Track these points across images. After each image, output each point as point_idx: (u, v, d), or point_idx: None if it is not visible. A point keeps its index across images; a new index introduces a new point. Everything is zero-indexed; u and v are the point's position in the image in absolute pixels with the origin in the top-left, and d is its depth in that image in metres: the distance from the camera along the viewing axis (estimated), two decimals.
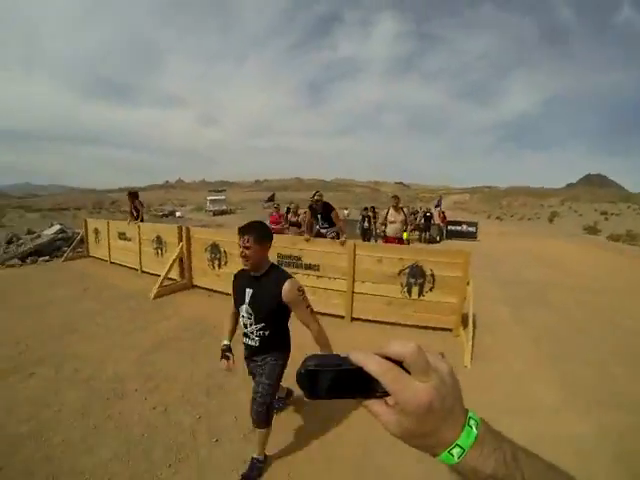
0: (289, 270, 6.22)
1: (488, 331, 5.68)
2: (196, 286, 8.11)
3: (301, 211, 10.77)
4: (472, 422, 0.50)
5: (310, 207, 7.11)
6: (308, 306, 2.66)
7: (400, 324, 5.85)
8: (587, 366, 4.71)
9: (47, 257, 11.35)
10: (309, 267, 6.45)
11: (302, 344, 2.86)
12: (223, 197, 54.98)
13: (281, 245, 6.62)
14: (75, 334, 5.50)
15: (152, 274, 8.91)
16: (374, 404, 0.50)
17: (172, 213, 43.06)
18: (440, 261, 5.65)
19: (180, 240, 8.05)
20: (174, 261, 7.88)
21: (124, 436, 3.32)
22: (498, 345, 5.32)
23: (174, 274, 8.17)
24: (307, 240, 6.44)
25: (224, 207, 48.72)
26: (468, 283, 5.57)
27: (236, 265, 6.94)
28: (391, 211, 8.88)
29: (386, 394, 0.49)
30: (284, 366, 2.85)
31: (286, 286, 2.57)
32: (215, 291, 7.64)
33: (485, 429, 0.50)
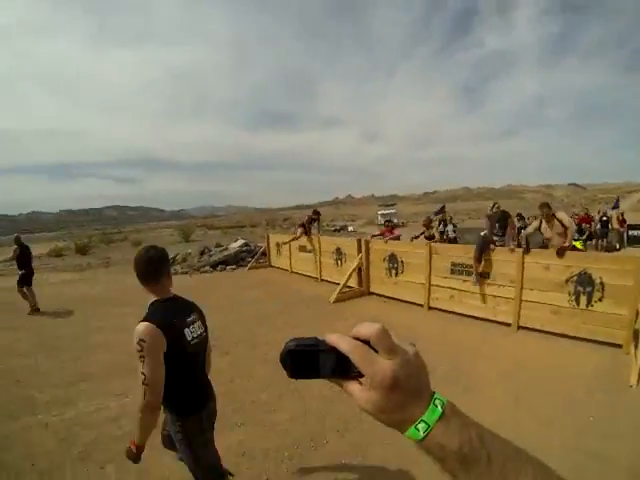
0: (461, 278, 6.87)
1: None
2: (372, 293, 8.96)
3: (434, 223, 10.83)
4: (437, 401, 0.53)
5: (488, 217, 7.41)
6: (143, 367, 1.88)
7: (567, 335, 5.76)
8: None
9: (233, 266, 13.67)
10: (481, 275, 6.73)
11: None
12: (394, 210, 55.16)
13: (455, 254, 7.18)
14: (264, 327, 6.53)
15: (330, 282, 10.09)
16: (349, 384, 0.55)
17: (344, 228, 44.02)
18: (609, 268, 5.47)
19: (359, 251, 9.08)
20: (353, 270, 8.90)
21: (303, 404, 4.08)
22: None
23: (352, 282, 9.13)
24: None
25: (395, 220, 48.52)
26: None
27: (412, 274, 7.77)
28: (543, 225, 6.87)
29: (360, 375, 0.53)
30: (190, 434, 2.22)
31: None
32: (391, 298, 8.38)
33: (451, 409, 0.53)
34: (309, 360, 0.56)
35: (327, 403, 4.10)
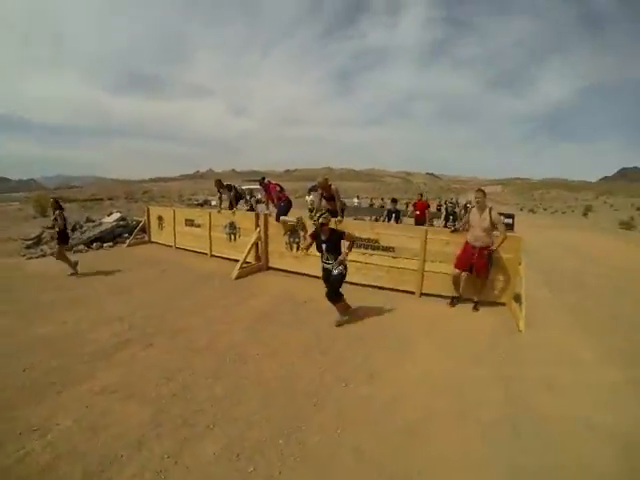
0: (367, 252, 7.44)
1: (533, 306, 6.47)
2: (271, 268, 9.04)
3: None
4: None
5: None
6: None
7: (462, 298, 6.82)
8: (618, 336, 5.67)
9: (110, 243, 12.35)
10: (386, 249, 7.40)
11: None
12: (259, 186, 55.19)
13: (359, 229, 7.64)
14: (174, 311, 6.10)
15: (222, 257, 9.96)
16: None
17: (206, 202, 43.26)
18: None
19: (257, 225, 9.04)
20: (252, 245, 8.85)
21: (264, 390, 3.90)
22: (543, 317, 6.27)
23: (249, 257, 9.05)
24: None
25: (259, 196, 47.85)
26: (520, 263, 6.48)
27: (313, 247, 8.02)
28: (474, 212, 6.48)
29: None
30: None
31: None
32: (292, 272, 8.55)
33: None
34: None
35: (287, 382, 4.08)
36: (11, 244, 12.06)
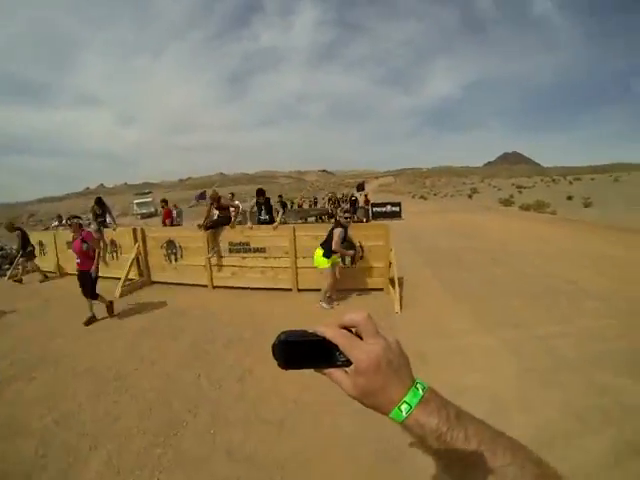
0: (239, 255, 7.50)
1: (413, 287, 6.96)
2: (155, 282, 8.77)
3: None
4: (419, 385, 0.56)
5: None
6: None
7: (340, 289, 6.87)
8: (491, 303, 6.16)
9: None
10: (257, 250, 7.49)
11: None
12: (150, 199, 52.64)
13: (230, 234, 7.68)
14: (58, 338, 5.85)
15: (109, 277, 9.23)
16: (335, 372, 0.59)
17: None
18: (366, 234, 6.97)
19: (135, 240, 8.68)
20: (133, 261, 8.50)
21: (143, 402, 3.92)
22: (421, 296, 6.65)
23: (132, 274, 8.72)
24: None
25: (152, 209, 46.34)
26: (391, 250, 6.85)
27: (192, 257, 7.88)
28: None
29: (346, 364, 0.58)
30: None
31: None
32: (174, 284, 8.35)
33: (431, 393, 0.56)
34: (299, 351, 0.59)
35: (164, 391, 4.10)
36: None
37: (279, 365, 0.60)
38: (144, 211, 46.53)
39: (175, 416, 3.64)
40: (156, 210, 44.16)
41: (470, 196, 49.80)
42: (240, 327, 5.70)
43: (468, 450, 0.52)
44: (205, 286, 7.92)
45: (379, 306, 6.31)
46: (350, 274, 6.95)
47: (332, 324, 0.61)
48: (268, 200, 8.54)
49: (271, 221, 8.24)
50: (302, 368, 0.60)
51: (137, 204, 48.88)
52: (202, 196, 22.56)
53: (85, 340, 5.75)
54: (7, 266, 11.93)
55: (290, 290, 7.29)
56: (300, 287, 7.27)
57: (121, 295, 7.93)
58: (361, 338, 0.58)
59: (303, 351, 0.59)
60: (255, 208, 8.56)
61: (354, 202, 21.07)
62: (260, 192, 8.27)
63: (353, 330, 0.60)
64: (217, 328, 5.76)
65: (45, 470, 3.06)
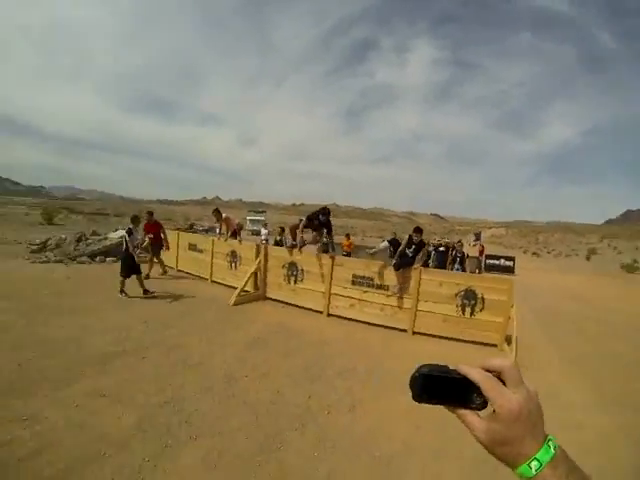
0: (362, 289, 7.61)
1: (527, 349, 6.61)
2: (269, 298, 9.11)
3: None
4: (551, 443, 0.56)
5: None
6: None
7: (454, 339, 6.86)
8: (611, 381, 5.71)
9: (114, 258, 12.03)
10: (380, 287, 7.55)
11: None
12: (263, 217, 54.66)
13: (355, 267, 7.86)
14: (171, 329, 6.23)
15: (222, 284, 10.03)
16: (468, 414, 0.59)
17: (212, 229, 42.52)
18: (489, 286, 6.82)
19: (257, 256, 9.17)
20: (252, 274, 8.98)
21: (250, 409, 3.97)
22: (537, 360, 6.30)
23: (248, 286, 9.14)
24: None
25: (265, 229, 46.79)
26: (512, 306, 6.65)
27: (312, 282, 8.15)
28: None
29: (480, 407, 0.58)
30: None
31: None
32: (288, 304, 8.62)
33: (562, 453, 0.56)
34: (437, 386, 0.59)
35: (272, 404, 4.14)
36: (17, 247, 12.72)
37: (413, 397, 0.60)
38: (256, 228, 48.12)
39: (281, 430, 3.65)
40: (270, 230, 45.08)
41: (588, 257, 46.18)
42: (354, 359, 5.72)
43: None
44: (320, 312, 8.08)
45: None
46: (467, 324, 6.85)
47: (476, 366, 0.60)
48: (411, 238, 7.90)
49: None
50: (436, 404, 0.60)
51: (250, 220, 50.63)
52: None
53: (198, 336, 6.05)
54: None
55: (405, 331, 7.25)
56: (415, 330, 7.20)
57: (235, 303, 8.27)
58: (504, 384, 0.58)
59: (441, 387, 0.60)
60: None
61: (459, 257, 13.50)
62: (417, 230, 7.62)
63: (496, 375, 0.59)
64: (331, 355, 5.81)
65: (142, 443, 3.23)
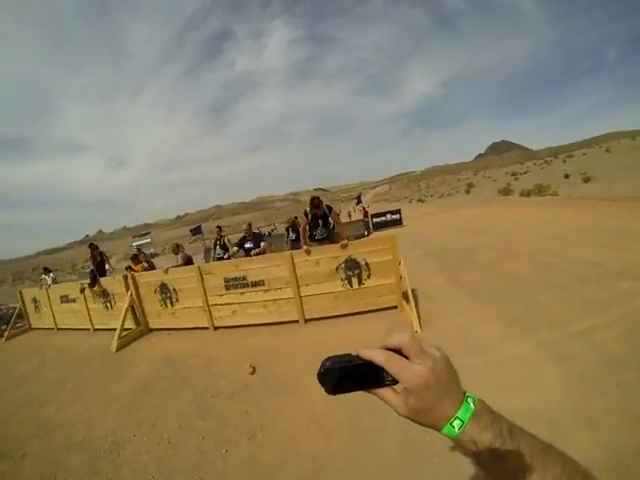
0: (237, 291, 6.86)
1: (429, 299, 6.39)
2: (153, 329, 8.29)
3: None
4: (470, 399, 0.57)
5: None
6: None
7: (350, 314, 6.40)
8: (518, 303, 5.55)
9: None
10: (256, 284, 6.90)
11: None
12: (149, 239, 52.59)
13: (225, 270, 7.15)
14: (52, 405, 5.53)
15: (106, 329, 8.93)
16: (384, 391, 0.59)
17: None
18: (370, 250, 6.33)
19: (127, 288, 8.23)
20: (126, 310, 8.03)
21: (142, 476, 3.49)
22: (441, 308, 6.02)
23: (129, 323, 8.29)
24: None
25: (152, 250, 46.43)
26: (400, 263, 6.26)
27: (188, 300, 7.35)
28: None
29: (393, 382, 0.58)
30: None
31: None
32: (173, 329, 7.87)
33: (482, 406, 0.57)
34: (346, 375, 0.60)
35: (165, 461, 3.63)
36: None
37: (327, 391, 0.61)
38: (145, 252, 46.33)
39: None
40: (155, 252, 43.76)
41: (467, 191, 49.55)
42: (244, 373, 5.12)
43: (521, 464, 0.53)
44: (206, 328, 7.40)
45: (396, 326, 5.62)
46: (358, 295, 6.40)
47: (376, 347, 0.61)
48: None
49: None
50: (350, 391, 0.60)
51: (136, 246, 49.07)
52: (197, 230, 22.07)
53: (81, 404, 5.32)
54: (4, 326, 11.86)
55: (297, 322, 6.70)
56: (307, 317, 6.68)
57: (118, 348, 7.45)
58: (407, 358, 0.58)
59: (350, 375, 0.60)
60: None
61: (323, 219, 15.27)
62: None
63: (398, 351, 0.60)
64: (220, 376, 5.23)
65: None
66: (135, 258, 10.53)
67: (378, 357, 0.58)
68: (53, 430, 4.73)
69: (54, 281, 11.91)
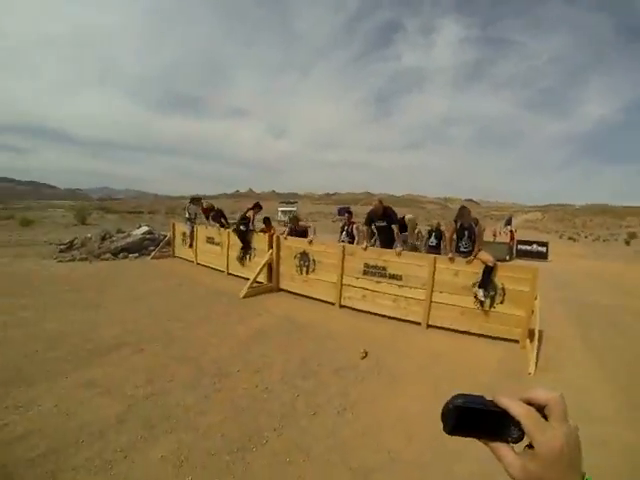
0: (373, 278, 7.17)
1: (553, 345, 6.03)
2: (282, 290, 8.93)
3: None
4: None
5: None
6: None
7: (471, 333, 6.38)
8: None
9: (136, 254, 12.86)
10: (393, 277, 7.11)
11: None
12: (295, 208, 54.73)
13: (368, 256, 7.43)
14: (176, 321, 6.30)
15: (238, 276, 9.90)
16: (502, 447, 0.54)
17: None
18: (510, 275, 6.17)
19: (270, 247, 8.98)
20: (264, 266, 8.80)
21: (233, 405, 3.89)
22: (561, 359, 5.65)
23: (262, 278, 9.04)
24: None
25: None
26: (536, 298, 6.02)
27: (324, 273, 7.81)
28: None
29: (517, 440, 0.54)
30: None
31: None
32: (301, 295, 8.41)
33: None
34: (472, 418, 0.55)
35: (258, 402, 4.00)
36: (47, 248, 13.41)
37: (444, 429, 0.56)
38: (286, 218, 48.24)
39: (259, 430, 3.50)
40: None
41: (627, 242, 44.40)
42: (356, 355, 5.37)
43: None
44: (332, 303, 7.81)
45: (510, 360, 5.52)
46: (486, 318, 6.30)
47: (516, 398, 0.56)
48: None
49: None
50: (470, 436, 0.55)
51: (282, 211, 51.07)
52: (344, 210, 22.90)
53: (202, 329, 6.06)
54: (152, 248, 13.60)
55: (419, 324, 6.79)
56: (430, 323, 6.73)
57: (245, 296, 8.18)
58: (545, 419, 0.53)
59: (476, 419, 0.55)
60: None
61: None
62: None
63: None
64: (333, 350, 5.54)
65: (119, 434, 3.32)
66: (267, 222, 10.99)
67: (517, 409, 0.54)
68: (172, 340, 5.56)
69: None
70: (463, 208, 6.83)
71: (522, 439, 0.53)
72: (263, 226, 10.72)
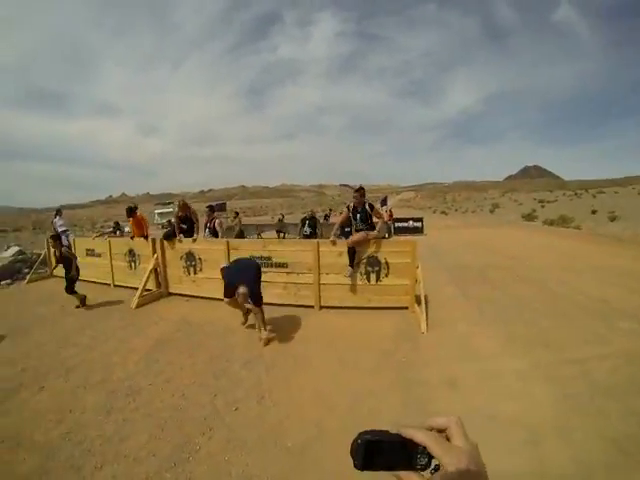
0: (262, 270, 7.05)
1: (438, 306, 6.75)
2: (172, 294, 8.68)
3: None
4: None
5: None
6: None
7: (363, 307, 6.82)
8: (520, 323, 5.91)
9: (9, 280, 11.28)
10: (279, 265, 7.30)
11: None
12: (171, 209, 52.98)
13: (253, 247, 7.54)
14: (72, 347, 5.81)
15: (125, 287, 9.40)
16: (410, 475, 0.57)
17: (119, 228, 41.13)
18: (391, 250, 6.76)
19: (154, 251, 8.63)
20: (151, 271, 8.45)
21: (155, 420, 3.77)
22: (448, 315, 6.40)
23: (150, 284, 8.69)
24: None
25: (172, 220, 45.82)
26: (417, 267, 6.61)
27: (211, 270, 7.70)
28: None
29: (424, 468, 0.57)
30: None
31: None
32: (192, 296, 8.26)
33: None
34: (381, 452, 0.58)
35: (178, 411, 3.93)
36: None
37: (355, 466, 0.58)
38: (164, 221, 46.60)
39: (189, 439, 3.47)
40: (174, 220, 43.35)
41: (492, 211, 49.17)
42: (259, 346, 5.53)
43: None
44: (221, 300, 7.71)
45: (404, 325, 6.07)
46: (374, 291, 6.81)
47: (419, 426, 0.60)
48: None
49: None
50: (380, 470, 0.58)
51: (158, 214, 49.08)
52: (220, 207, 22.47)
53: (99, 350, 5.68)
54: (26, 270, 12.20)
55: (312, 307, 7.09)
56: (323, 304, 7.07)
57: (137, 306, 7.87)
58: (448, 441, 0.58)
59: (385, 453, 0.58)
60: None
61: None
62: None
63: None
64: (236, 345, 5.61)
65: None
66: (131, 211, 10.46)
67: (422, 437, 0.57)
68: (72, 369, 5.07)
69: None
70: (361, 188, 7.03)
71: (430, 466, 0.57)
72: (131, 233, 10.17)
